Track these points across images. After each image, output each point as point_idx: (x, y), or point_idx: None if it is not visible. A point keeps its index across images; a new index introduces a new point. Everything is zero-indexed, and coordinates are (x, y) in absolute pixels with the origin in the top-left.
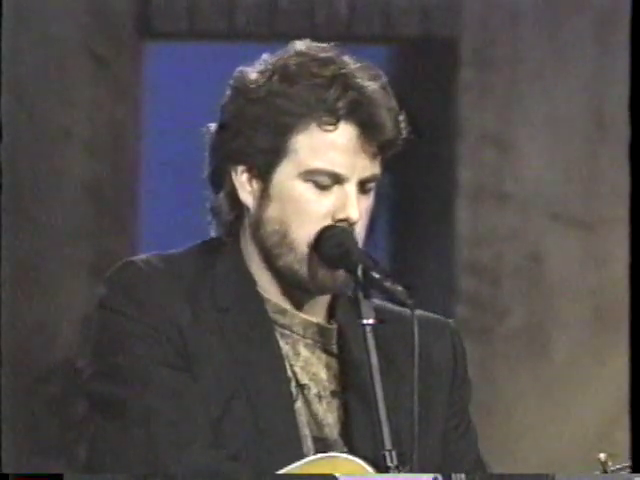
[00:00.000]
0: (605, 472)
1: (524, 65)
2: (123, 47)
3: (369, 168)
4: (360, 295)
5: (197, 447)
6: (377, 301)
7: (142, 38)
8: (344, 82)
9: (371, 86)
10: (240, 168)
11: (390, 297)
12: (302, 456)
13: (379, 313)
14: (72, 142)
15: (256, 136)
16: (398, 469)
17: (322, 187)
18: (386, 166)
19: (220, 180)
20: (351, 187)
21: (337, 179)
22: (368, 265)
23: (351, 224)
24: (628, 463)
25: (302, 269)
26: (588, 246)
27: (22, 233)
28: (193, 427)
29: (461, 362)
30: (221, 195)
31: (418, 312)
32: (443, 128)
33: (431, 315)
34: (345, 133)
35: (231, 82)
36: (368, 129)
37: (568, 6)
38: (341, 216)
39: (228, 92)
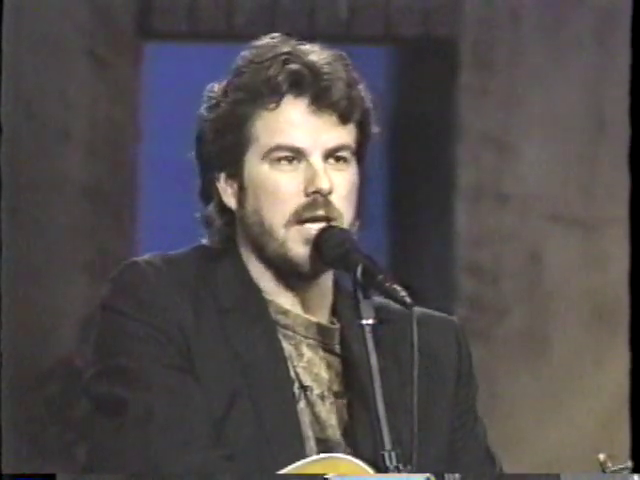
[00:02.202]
0: (604, 472)
1: (524, 66)
2: (123, 47)
3: (333, 138)
4: (360, 295)
5: (197, 447)
6: (379, 299)
7: (142, 38)
8: (284, 59)
9: (318, 59)
10: (220, 175)
11: (389, 297)
12: (304, 457)
13: (381, 312)
14: (72, 142)
15: (223, 137)
16: (398, 469)
17: (287, 164)
18: (387, 167)
19: (209, 191)
20: (316, 159)
21: (299, 153)
22: (367, 265)
23: (324, 196)
24: (627, 463)
25: (286, 253)
26: (588, 246)
27: (22, 233)
28: (194, 428)
29: (466, 359)
30: (211, 206)
31: (421, 310)
32: (443, 129)
33: (434, 313)
34: (295, 106)
35: (203, 99)
36: (317, 98)
37: (568, 6)
38: (312, 189)
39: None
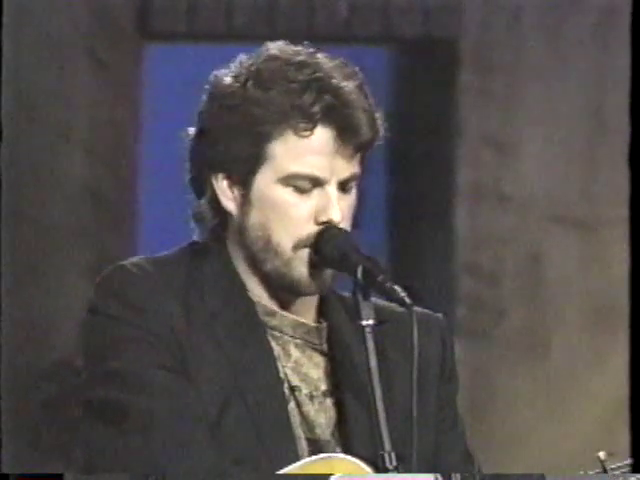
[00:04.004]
0: (604, 470)
1: (524, 66)
2: (123, 48)
3: (347, 168)
4: (359, 296)
5: (196, 450)
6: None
7: (142, 39)
8: (319, 86)
9: (347, 87)
10: (220, 175)
11: (389, 298)
12: (297, 458)
13: (378, 312)
14: (72, 142)
15: (234, 144)
16: (397, 470)
17: (302, 191)
18: (387, 168)
19: (201, 186)
20: (331, 189)
21: (316, 182)
22: (368, 266)
23: (334, 225)
24: (627, 461)
25: (289, 272)
26: (588, 247)
27: (22, 233)
28: (191, 429)
29: (450, 356)
30: (203, 201)
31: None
32: (443, 129)
33: (420, 310)
34: (322, 136)
35: (207, 87)
36: (344, 131)
37: (568, 6)
38: (323, 219)
39: (204, 97)
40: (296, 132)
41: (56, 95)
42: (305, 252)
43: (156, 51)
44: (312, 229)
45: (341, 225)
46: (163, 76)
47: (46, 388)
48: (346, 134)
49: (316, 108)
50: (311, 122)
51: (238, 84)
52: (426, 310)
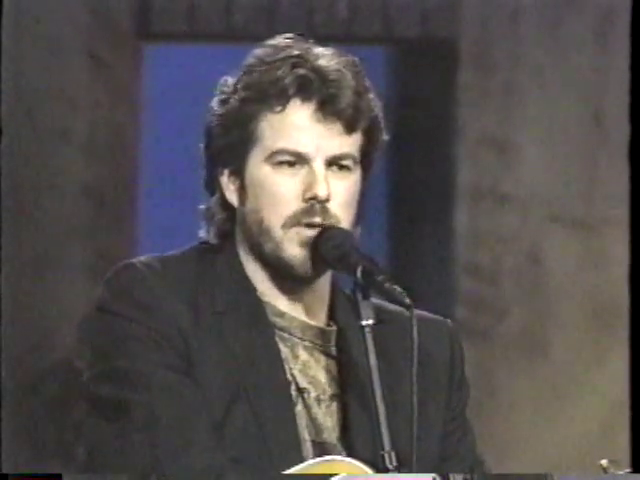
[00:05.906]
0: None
1: (523, 66)
2: (122, 48)
3: (337, 146)
4: (359, 296)
5: (198, 450)
6: (374, 300)
7: (141, 39)
8: (294, 62)
9: (332, 67)
10: (225, 171)
11: (389, 298)
12: (302, 460)
13: (377, 313)
14: (72, 142)
15: (228, 133)
16: (398, 470)
17: (289, 168)
18: (387, 168)
19: (213, 185)
20: (318, 165)
21: (301, 158)
22: (367, 266)
23: (321, 202)
24: (630, 469)
25: (282, 253)
26: (587, 247)
27: (22, 233)
28: (195, 430)
29: (459, 363)
30: (213, 199)
31: (416, 312)
32: (442, 129)
33: (429, 315)
34: (301, 111)
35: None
36: (323, 104)
37: (568, 6)
38: (309, 194)
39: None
40: (273, 109)
41: (56, 95)
42: (294, 232)
43: (156, 51)
44: (299, 206)
45: (333, 203)
46: (163, 76)
47: (46, 388)
48: (325, 107)
49: (288, 81)
50: (285, 96)
51: (234, 80)
52: (435, 315)
